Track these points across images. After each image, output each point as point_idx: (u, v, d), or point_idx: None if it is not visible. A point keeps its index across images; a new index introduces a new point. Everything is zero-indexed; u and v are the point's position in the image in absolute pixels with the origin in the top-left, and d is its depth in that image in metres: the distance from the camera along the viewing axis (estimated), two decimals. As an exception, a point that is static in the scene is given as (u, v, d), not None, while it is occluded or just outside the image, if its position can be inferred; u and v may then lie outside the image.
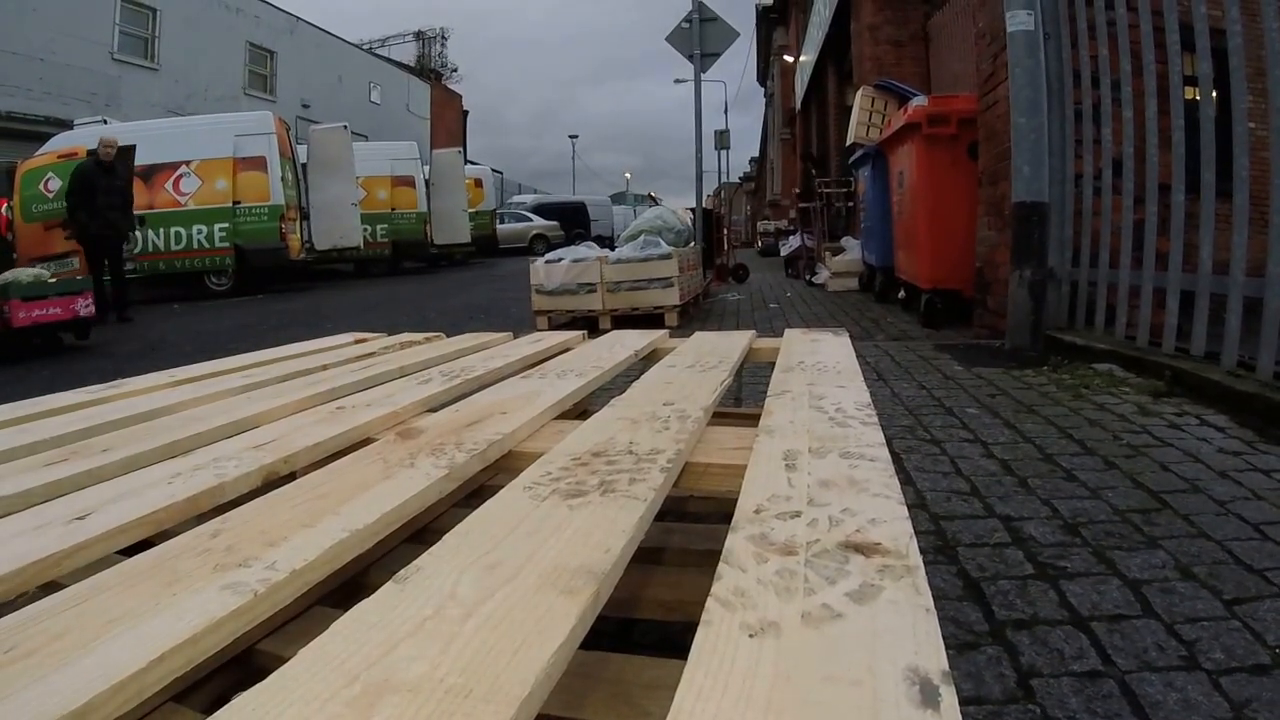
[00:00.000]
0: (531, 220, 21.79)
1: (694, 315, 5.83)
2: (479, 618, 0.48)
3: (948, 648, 0.44)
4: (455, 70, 31.61)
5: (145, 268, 9.57)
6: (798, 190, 9.55)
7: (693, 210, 8.08)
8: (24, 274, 5.46)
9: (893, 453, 1.02)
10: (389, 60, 26.23)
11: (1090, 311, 3.48)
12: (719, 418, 1.14)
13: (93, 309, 5.56)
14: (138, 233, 9.23)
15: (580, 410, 1.43)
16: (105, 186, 7.21)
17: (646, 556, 1.07)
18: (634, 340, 1.75)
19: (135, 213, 9.16)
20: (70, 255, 8.97)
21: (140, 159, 9.41)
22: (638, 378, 1.29)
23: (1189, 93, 2.90)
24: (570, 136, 47.28)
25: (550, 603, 0.50)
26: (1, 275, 5.38)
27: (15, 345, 5.05)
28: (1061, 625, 1.17)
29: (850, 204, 9.62)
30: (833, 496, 0.68)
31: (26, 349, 5.16)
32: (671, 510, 1.31)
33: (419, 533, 1.09)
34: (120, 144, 7.52)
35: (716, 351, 1.53)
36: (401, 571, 0.56)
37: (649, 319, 5.05)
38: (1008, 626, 1.17)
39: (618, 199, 32.91)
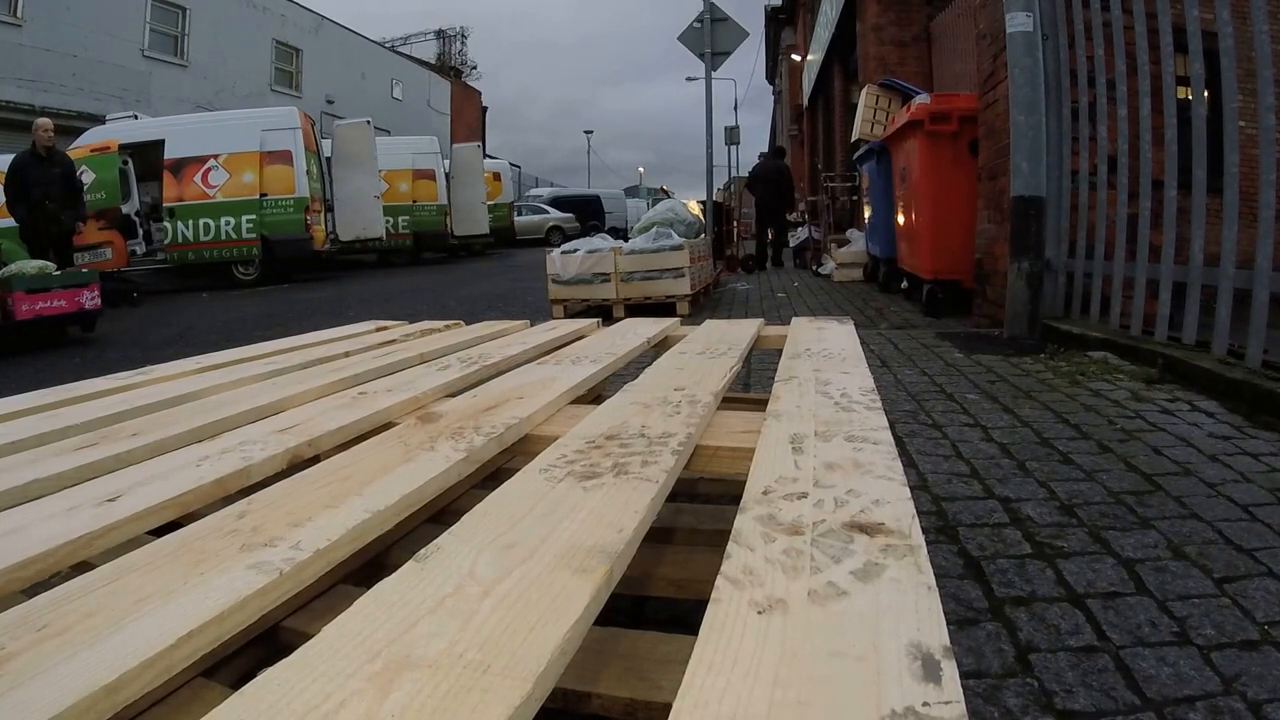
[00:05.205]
0: (548, 213, 21.88)
1: (704, 304, 5.85)
2: (497, 596, 0.49)
3: (949, 624, 0.45)
4: (475, 68, 31.83)
5: (175, 258, 9.77)
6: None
7: (704, 203, 8.04)
8: (28, 265, 5.33)
9: (896, 436, 1.02)
10: (410, 58, 26.36)
11: (1086, 302, 3.52)
12: (728, 403, 1.15)
13: (98, 302, 5.37)
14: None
15: (594, 396, 1.44)
16: (40, 178, 6.45)
17: (658, 536, 1.08)
18: (646, 328, 1.76)
19: (161, 205, 9.19)
20: (103, 245, 9.19)
21: (170, 153, 9.64)
22: (650, 364, 1.30)
23: (1181, 92, 2.94)
24: (586, 132, 48.15)
25: (565, 581, 0.51)
26: (6, 267, 5.26)
27: (19, 338, 4.86)
28: (1058, 602, 1.18)
29: (855, 198, 9.57)
30: (838, 479, 0.69)
31: (35, 341, 4.95)
32: (682, 492, 1.32)
33: (439, 514, 1.10)
34: (51, 133, 6.61)
35: (726, 339, 1.53)
36: (422, 551, 0.57)
37: (661, 308, 5.10)
38: (1006, 604, 1.19)
39: (631, 193, 32.79)
